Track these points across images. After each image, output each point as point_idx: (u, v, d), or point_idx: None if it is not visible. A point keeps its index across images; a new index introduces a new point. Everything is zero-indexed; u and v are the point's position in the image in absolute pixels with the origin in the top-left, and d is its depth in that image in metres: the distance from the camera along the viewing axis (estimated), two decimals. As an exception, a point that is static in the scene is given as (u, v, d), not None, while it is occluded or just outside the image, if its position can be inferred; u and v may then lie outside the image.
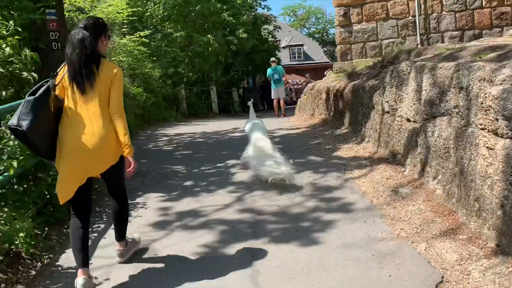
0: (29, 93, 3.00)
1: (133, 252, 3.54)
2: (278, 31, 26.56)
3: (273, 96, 15.58)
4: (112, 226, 3.56)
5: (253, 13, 22.72)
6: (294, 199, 4.54)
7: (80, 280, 2.96)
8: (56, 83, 3.07)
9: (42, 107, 2.97)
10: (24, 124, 2.87)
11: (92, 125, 3.02)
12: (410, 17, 10.39)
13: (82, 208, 3.16)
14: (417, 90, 4.64)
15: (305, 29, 72.35)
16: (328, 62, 52.83)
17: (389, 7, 10.46)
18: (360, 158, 5.60)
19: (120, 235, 3.44)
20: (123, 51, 11.59)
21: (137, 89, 10.91)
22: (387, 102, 5.38)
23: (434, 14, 10.25)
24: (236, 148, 6.91)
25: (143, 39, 12.36)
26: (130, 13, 12.93)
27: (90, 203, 3.25)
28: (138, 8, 14.41)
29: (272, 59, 15.77)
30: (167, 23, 18.08)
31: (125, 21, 14.50)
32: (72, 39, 3.05)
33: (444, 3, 10.12)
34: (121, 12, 12.50)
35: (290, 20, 71.19)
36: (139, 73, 12.21)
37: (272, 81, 15.20)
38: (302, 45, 49.65)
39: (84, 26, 3.06)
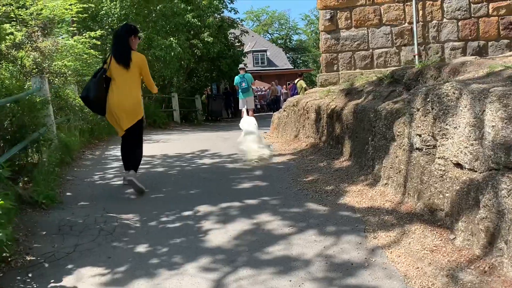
0: (92, 76, 5.25)
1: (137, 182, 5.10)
2: (245, 36, 25.07)
3: (240, 106, 14.20)
4: None
5: (219, 16, 21.12)
6: (303, 286, 2.99)
7: (126, 174, 5.22)
8: (107, 68, 5.06)
9: (99, 85, 5.05)
10: (91, 95, 5.05)
11: (128, 93, 5.03)
12: (406, 24, 9.08)
13: (129, 139, 5.22)
14: (476, 125, 3.21)
15: (268, 34, 71.44)
16: (292, 68, 52.03)
17: (382, 11, 9.11)
18: (381, 210, 4.10)
19: (134, 167, 5.26)
20: (70, 54, 9.77)
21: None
22: (419, 135, 3.92)
23: (434, 21, 8.96)
24: (208, 186, 5.33)
25: (94, 40, 10.57)
26: (80, 9, 11.11)
27: (134, 139, 5.24)
28: (90, 5, 12.54)
29: (241, 66, 14.32)
30: (124, 23, 16.23)
31: (74, 19, 12.65)
32: (116, 34, 5.28)
33: (445, 9, 8.85)
34: (69, 9, 10.66)
35: (253, 25, 70.04)
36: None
37: (239, 90, 13.84)
38: (265, 51, 48.73)
39: (120, 29, 5.29)
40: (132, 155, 5.28)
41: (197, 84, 22.62)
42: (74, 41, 9.88)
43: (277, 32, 75.57)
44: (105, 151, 8.63)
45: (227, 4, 22.72)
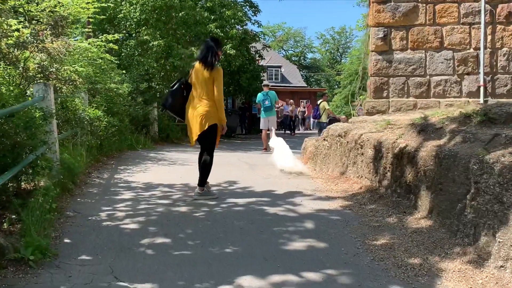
0: (171, 86, 5.72)
1: (206, 198, 5.59)
2: (267, 51, 23.98)
3: (262, 126, 13.10)
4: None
5: (242, 28, 20.00)
6: None
7: (196, 189, 5.64)
8: (188, 79, 5.60)
9: (176, 94, 5.53)
10: (167, 103, 5.62)
11: (198, 101, 5.42)
12: (472, 50, 7.85)
13: (202, 146, 5.72)
14: None
15: (283, 51, 70.50)
16: (306, 86, 50.95)
17: (444, 33, 7.90)
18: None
19: (201, 182, 5.67)
20: (82, 58, 8.61)
21: (95, 111, 7.93)
22: None
23: (505, 48, 7.74)
24: (247, 242, 4.09)
25: (111, 44, 9.42)
26: (97, 9, 10.00)
27: (205, 146, 5.70)
28: (109, 4, 11.42)
29: (265, 82, 13.25)
30: (144, 28, 15.14)
31: (91, 20, 11.54)
32: (206, 45, 5.52)
33: (520, 34, 7.63)
34: (86, 8, 9.54)
35: (268, 40, 69.02)
36: (101, 89, 9.23)
37: (262, 109, 12.75)
38: (280, 67, 47.75)
39: (211, 39, 5.65)
40: (200, 165, 5.78)
41: (213, 98, 21.41)
42: (89, 43, 8.71)
43: (292, 49, 74.75)
44: (115, 173, 7.40)
45: (250, 16, 21.65)
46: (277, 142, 8.51)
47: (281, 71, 47.70)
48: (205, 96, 5.37)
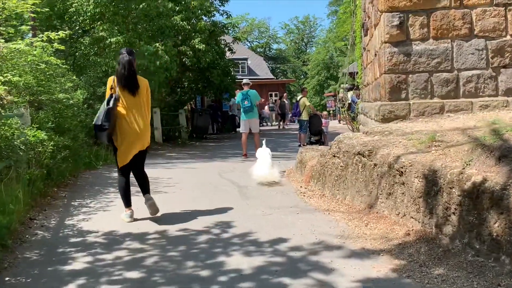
0: (105, 103, 4.99)
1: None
2: (237, 43, 22.23)
3: (242, 129, 11.68)
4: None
5: (209, 20, 18.20)
6: None
7: (128, 212, 5.24)
8: (118, 94, 5.03)
9: (113, 112, 4.94)
10: (107, 124, 4.91)
11: (139, 117, 5.06)
12: (509, 37, 6.38)
13: (129, 171, 5.26)
14: None
15: (247, 42, 68.61)
16: (273, 78, 49.41)
17: (474, 18, 6.40)
18: None
19: (146, 190, 5.40)
20: (21, 63, 6.71)
21: (37, 133, 6.07)
22: None
23: (550, 34, 6.30)
24: None
25: (56, 44, 7.52)
26: (39, 1, 8.07)
27: (140, 162, 5.31)
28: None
29: (245, 81, 11.64)
30: (99, 23, 13.14)
31: (33, 15, 9.57)
32: (122, 61, 5.05)
33: None
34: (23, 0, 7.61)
35: (232, 32, 67.00)
36: (47, 100, 7.35)
37: (242, 110, 11.21)
38: (246, 59, 46.03)
39: (127, 52, 5.18)
40: (141, 182, 5.43)
41: (181, 98, 19.55)
42: (26, 44, 6.79)
43: (257, 40, 72.99)
44: (66, 215, 5.61)
45: (218, 7, 19.82)
46: (262, 153, 7.88)
47: (247, 63, 46.02)
48: (140, 111, 5.12)
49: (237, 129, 24.59)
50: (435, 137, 4.65)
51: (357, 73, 13.06)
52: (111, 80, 5.16)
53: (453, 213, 3.77)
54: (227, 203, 6.09)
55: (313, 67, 58.27)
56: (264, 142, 8.41)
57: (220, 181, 8.06)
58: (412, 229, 4.22)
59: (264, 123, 31.61)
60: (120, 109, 5.03)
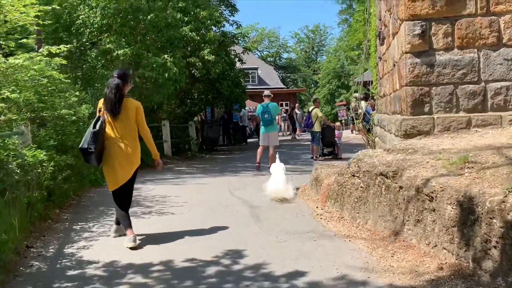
0: (92, 125, 4.98)
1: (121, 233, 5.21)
2: (248, 54, 21.90)
3: (261, 142, 11.50)
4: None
5: (219, 30, 17.88)
6: None
7: (131, 237, 4.92)
8: (104, 116, 4.99)
9: (99, 135, 4.90)
10: (93, 147, 4.85)
11: (126, 141, 4.98)
12: (540, 46, 5.92)
13: (122, 194, 5.13)
14: None
15: (257, 52, 68.35)
16: (284, 87, 49.06)
17: (502, 26, 5.95)
18: None
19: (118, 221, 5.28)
20: (17, 80, 6.38)
21: (37, 153, 5.71)
22: None
23: None
24: None
25: (58, 59, 7.18)
26: (41, 14, 7.77)
27: (128, 188, 5.17)
28: (55, 6, 9.13)
29: (266, 92, 11.32)
30: (106, 35, 12.87)
31: (38, 28, 9.29)
32: (110, 84, 4.99)
33: None
34: (25, 12, 7.32)
35: (242, 42, 66.80)
36: (49, 117, 7.01)
37: (261, 123, 10.93)
38: (256, 68, 45.68)
39: (118, 76, 5.03)
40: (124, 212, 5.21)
41: (191, 109, 19.22)
42: (26, 59, 6.46)
43: (267, 50, 72.78)
44: (66, 242, 5.23)
45: (227, 17, 19.53)
46: (276, 168, 7.73)
47: (257, 73, 45.77)
48: (128, 133, 5.04)
49: (248, 140, 24.26)
50: (467, 158, 4.20)
51: (371, 82, 12.61)
52: (100, 102, 5.14)
53: (494, 246, 3.32)
54: (238, 227, 5.67)
55: (323, 76, 57.79)
56: (277, 156, 8.14)
57: (231, 199, 7.65)
58: (446, 262, 3.76)
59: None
60: (108, 131, 5.00)
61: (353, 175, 5.63)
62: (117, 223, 5.33)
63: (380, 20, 9.93)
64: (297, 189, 8.06)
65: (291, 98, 43.45)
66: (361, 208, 5.36)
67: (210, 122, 20.22)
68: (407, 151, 5.26)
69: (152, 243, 5.11)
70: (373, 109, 15.46)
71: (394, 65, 7.26)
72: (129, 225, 5.07)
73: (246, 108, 26.31)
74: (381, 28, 9.68)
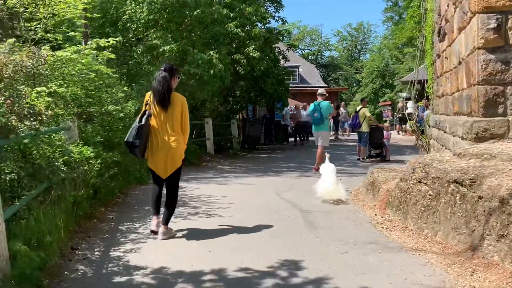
0: (137, 119, 5.08)
1: (169, 236, 5.12)
2: (292, 51, 21.45)
3: (315, 142, 11.31)
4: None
5: (264, 26, 17.51)
6: None
7: (154, 221, 5.20)
8: (151, 110, 5.06)
9: (144, 129, 4.99)
10: (137, 141, 4.96)
11: (170, 134, 5.02)
12: None
13: (161, 184, 5.24)
14: None
15: (298, 50, 67.63)
16: (325, 86, 48.22)
17: None
18: None
19: (165, 220, 5.15)
20: (64, 74, 6.20)
21: (84, 150, 5.51)
22: None
23: None
24: None
25: (106, 52, 6.99)
26: (89, 7, 7.60)
27: (171, 182, 5.19)
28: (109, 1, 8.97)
29: (320, 91, 11.07)
30: (152, 31, 12.71)
31: (86, 22, 9.17)
32: (158, 77, 5.06)
33: None
34: (73, 5, 7.16)
35: (284, 41, 66.10)
36: (96, 113, 6.83)
37: (312, 121, 10.96)
38: (297, 67, 45.00)
39: (164, 69, 5.10)
40: (168, 201, 5.24)
41: (233, 107, 18.95)
42: (74, 52, 6.28)
43: (308, 48, 71.95)
44: (112, 244, 4.97)
45: (273, 13, 19.13)
46: (326, 168, 7.57)
47: (299, 71, 45.10)
48: (172, 127, 5.06)
49: (290, 139, 23.76)
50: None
51: (426, 81, 11.96)
52: (147, 96, 5.23)
53: None
54: (292, 234, 5.29)
55: (367, 75, 56.55)
56: (327, 157, 7.81)
57: (279, 202, 7.29)
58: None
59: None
60: (154, 124, 5.08)
61: (419, 181, 5.15)
62: (165, 222, 5.19)
63: (439, 15, 9.33)
64: (349, 192, 7.66)
65: (332, 97, 42.57)
66: (429, 218, 4.88)
67: (252, 120, 19.90)
68: (482, 156, 4.74)
69: (201, 248, 4.80)
70: (426, 109, 14.76)
71: (460, 62, 6.71)
72: (157, 212, 5.24)
73: (291, 106, 25.84)
74: (441, 24, 9.09)
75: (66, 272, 4.08)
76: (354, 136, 22.79)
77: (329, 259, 4.32)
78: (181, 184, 5.90)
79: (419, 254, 4.36)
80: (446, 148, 7.73)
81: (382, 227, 5.34)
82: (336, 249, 4.64)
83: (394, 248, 4.59)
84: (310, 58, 67.38)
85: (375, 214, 5.97)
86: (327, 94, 11.21)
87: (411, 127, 14.52)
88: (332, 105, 12.59)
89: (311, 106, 11.01)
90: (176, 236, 5.25)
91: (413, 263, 4.13)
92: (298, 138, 22.56)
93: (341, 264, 4.19)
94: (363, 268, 4.04)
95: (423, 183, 5.07)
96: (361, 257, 4.37)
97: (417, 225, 5.06)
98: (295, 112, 24.10)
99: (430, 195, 4.89)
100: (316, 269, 4.07)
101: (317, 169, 9.87)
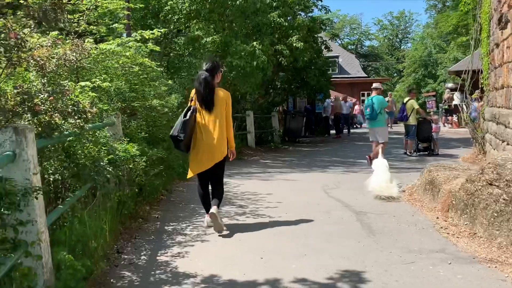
0: (183, 114, 5.22)
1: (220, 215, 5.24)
2: (335, 41, 20.85)
3: (370, 138, 10.79)
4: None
5: (307, 16, 17.03)
6: None
7: (207, 218, 5.26)
8: (197, 107, 5.19)
9: (189, 124, 5.11)
10: (182, 136, 5.09)
11: (214, 131, 5.13)
12: None
13: (205, 180, 5.38)
14: None
15: (338, 39, 66.47)
16: (366, 77, 47.06)
17: None
18: None
19: (215, 203, 5.23)
20: (107, 67, 6.00)
21: (130, 147, 5.28)
22: None
23: None
24: None
25: (150, 44, 6.75)
26: (132, -2, 7.38)
27: (216, 175, 5.33)
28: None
29: (375, 85, 10.55)
30: (194, 22, 12.47)
31: (129, 13, 8.99)
32: (199, 78, 5.19)
33: None
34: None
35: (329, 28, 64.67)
36: (140, 107, 6.61)
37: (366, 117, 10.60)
38: (337, 57, 44.01)
39: (206, 69, 5.20)
40: (215, 192, 5.38)
41: (274, 99, 18.58)
42: (118, 45, 6.06)
43: (348, 37, 70.54)
44: (158, 247, 4.73)
45: (315, 1, 18.57)
46: (378, 164, 7.44)
47: (338, 61, 44.14)
48: (215, 124, 5.18)
49: (331, 132, 23.20)
50: None
51: (481, 71, 11.26)
52: (193, 92, 5.34)
53: None
54: (348, 239, 4.91)
55: (409, 65, 54.92)
56: (380, 153, 7.53)
57: (328, 202, 6.91)
58: None
59: (357, 125, 29.83)
60: (199, 120, 5.20)
61: (490, 184, 4.68)
62: (216, 205, 5.30)
63: (499, 1, 8.66)
64: (402, 190, 7.26)
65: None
66: (503, 225, 4.41)
67: (293, 113, 19.49)
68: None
69: (252, 254, 4.49)
70: (479, 101, 13.99)
71: (530, 51, 6.12)
72: (207, 210, 5.32)
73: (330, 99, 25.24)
74: (500, 10, 8.43)
75: (112, 280, 3.84)
76: (397, 128, 22.07)
77: (394, 271, 3.93)
78: (224, 179, 5.66)
79: (495, 267, 3.91)
80: (508, 144, 7.16)
81: (448, 233, 4.90)
82: (400, 258, 4.24)
83: (465, 259, 4.15)
84: (350, 47, 66.03)
85: (437, 218, 5.52)
86: (382, 88, 10.63)
87: (464, 120, 13.77)
88: (387, 99, 12.08)
89: (365, 101, 10.63)
90: (224, 232, 5.20)
91: (491, 278, 3.69)
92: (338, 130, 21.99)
93: (409, 276, 3.79)
94: (435, 283, 3.63)
95: (495, 185, 4.60)
96: (430, 268, 3.96)
97: (488, 231, 4.59)
98: (334, 103, 23.46)
99: (504, 199, 4.42)
100: (381, 282, 3.69)
101: (371, 160, 9.44)
